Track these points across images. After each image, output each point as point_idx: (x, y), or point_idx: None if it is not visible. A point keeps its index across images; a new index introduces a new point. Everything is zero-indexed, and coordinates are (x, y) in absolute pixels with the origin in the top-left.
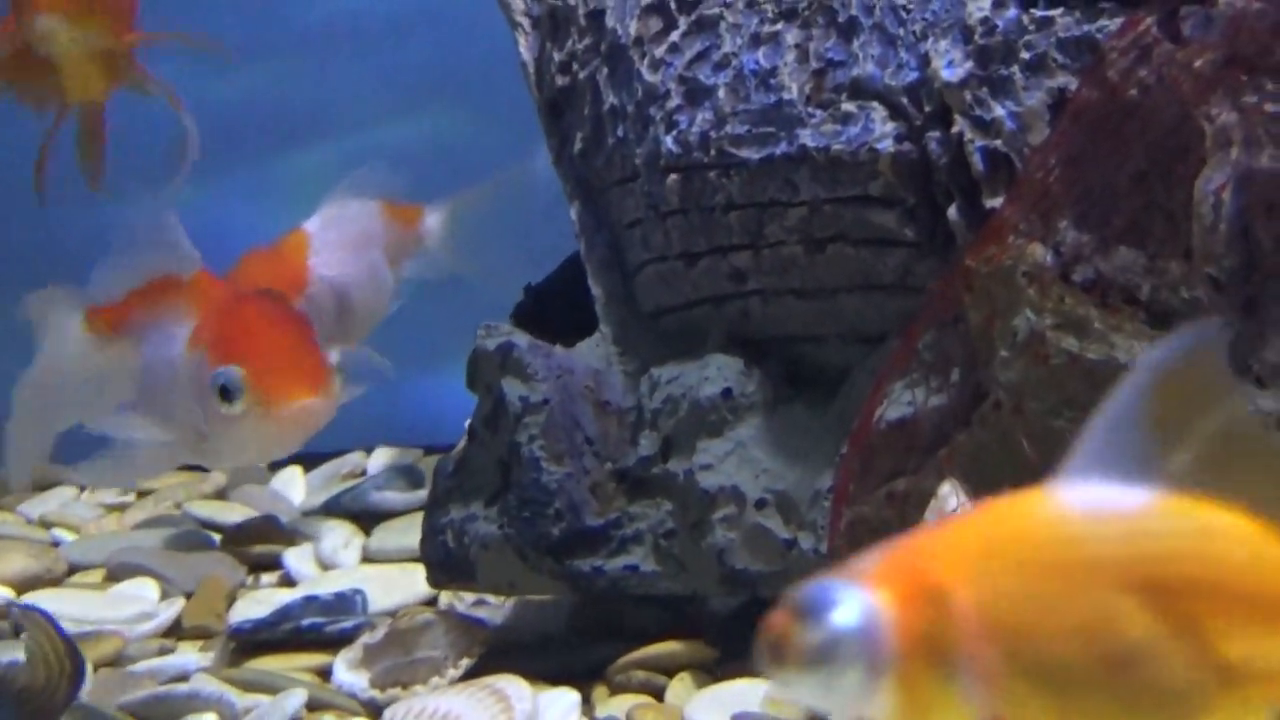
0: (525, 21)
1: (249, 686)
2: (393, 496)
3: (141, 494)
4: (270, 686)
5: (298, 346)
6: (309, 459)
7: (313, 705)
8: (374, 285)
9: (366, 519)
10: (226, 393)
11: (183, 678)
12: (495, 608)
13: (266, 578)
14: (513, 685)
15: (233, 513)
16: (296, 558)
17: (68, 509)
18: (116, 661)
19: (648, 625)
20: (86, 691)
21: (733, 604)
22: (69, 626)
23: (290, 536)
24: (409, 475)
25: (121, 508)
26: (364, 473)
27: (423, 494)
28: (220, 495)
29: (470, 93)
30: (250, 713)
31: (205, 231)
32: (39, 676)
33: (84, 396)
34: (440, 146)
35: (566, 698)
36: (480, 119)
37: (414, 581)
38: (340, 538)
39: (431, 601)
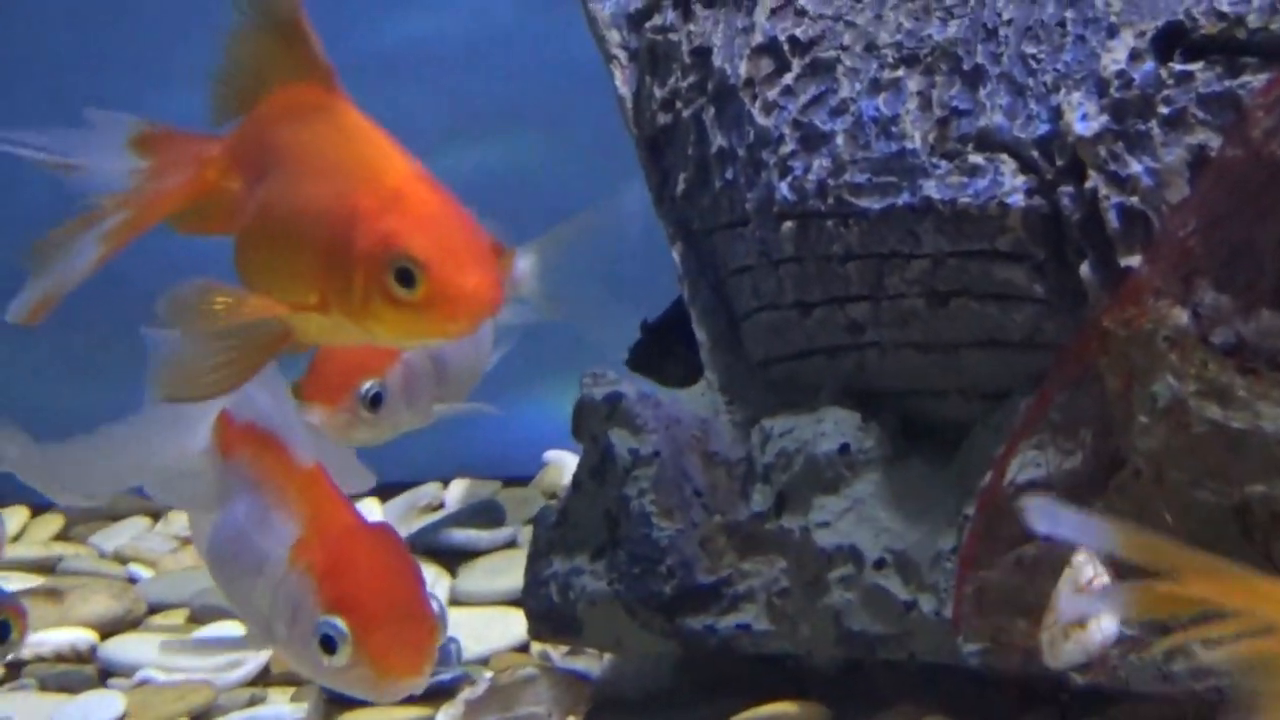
0: (622, 55)
1: None
2: (477, 535)
3: None
4: None
5: (410, 606)
6: (385, 490)
7: None
8: (473, 340)
9: (449, 557)
10: (329, 643)
11: None
12: (593, 658)
13: None
14: None
15: None
16: None
17: (141, 542)
18: (208, 714)
19: (752, 681)
20: None
21: (839, 661)
22: (156, 675)
23: None
24: (489, 512)
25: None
26: (441, 505)
27: (506, 532)
28: None
29: (541, 121)
30: None
31: None
32: None
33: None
34: (510, 175)
35: None
36: (552, 147)
37: (506, 627)
38: (427, 578)
39: (524, 648)
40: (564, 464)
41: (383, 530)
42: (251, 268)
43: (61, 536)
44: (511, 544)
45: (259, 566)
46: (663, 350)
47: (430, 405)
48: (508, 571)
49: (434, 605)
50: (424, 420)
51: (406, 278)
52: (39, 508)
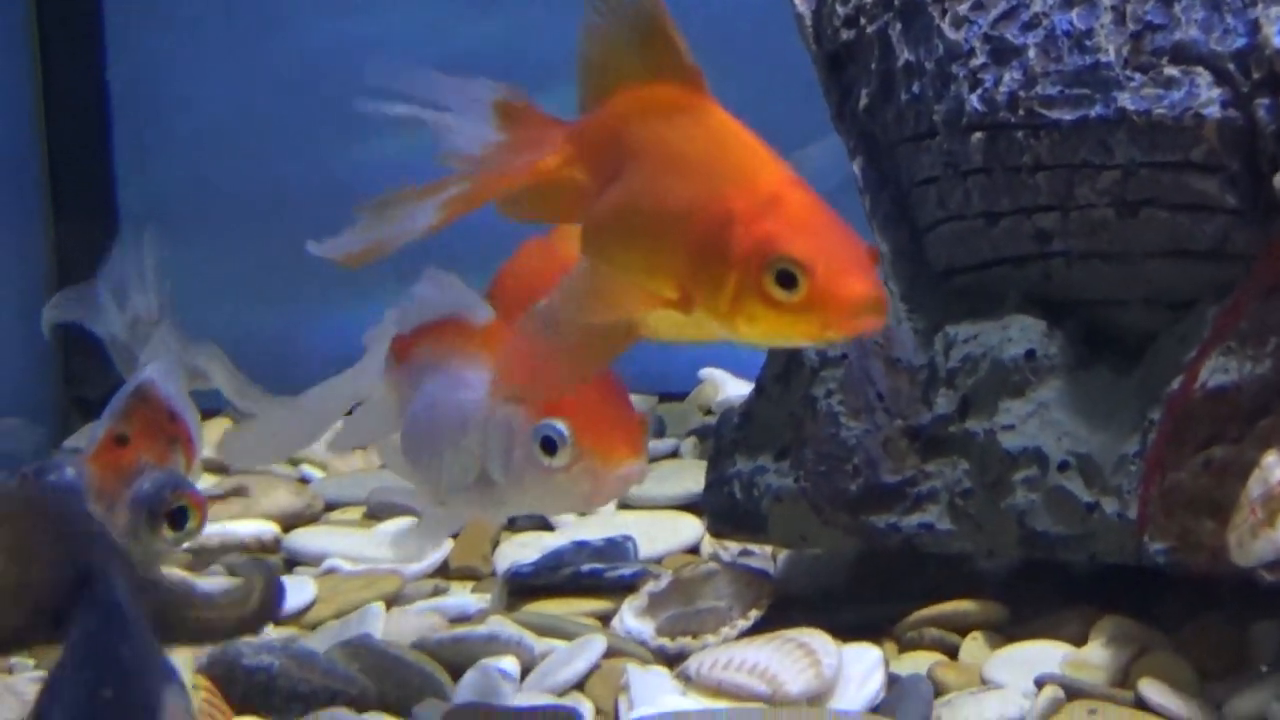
0: None
1: (542, 631)
2: None
3: None
4: (563, 632)
5: (618, 406)
6: None
7: (606, 652)
8: None
9: None
10: (549, 445)
11: (463, 618)
12: (763, 559)
13: (521, 520)
14: (817, 639)
15: None
16: None
17: (311, 446)
18: (397, 600)
19: (924, 580)
20: (380, 628)
21: (1010, 563)
22: (342, 564)
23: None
24: (651, 423)
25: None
26: None
27: (668, 443)
28: None
29: (710, 43)
30: (547, 657)
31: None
32: (223, 613)
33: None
34: None
35: (870, 654)
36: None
37: (675, 530)
38: None
39: (693, 549)
40: (717, 380)
41: None
42: (605, 262)
43: None
44: (674, 454)
45: (461, 424)
46: None
47: None
48: (674, 479)
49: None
50: None
51: (787, 280)
52: (208, 412)
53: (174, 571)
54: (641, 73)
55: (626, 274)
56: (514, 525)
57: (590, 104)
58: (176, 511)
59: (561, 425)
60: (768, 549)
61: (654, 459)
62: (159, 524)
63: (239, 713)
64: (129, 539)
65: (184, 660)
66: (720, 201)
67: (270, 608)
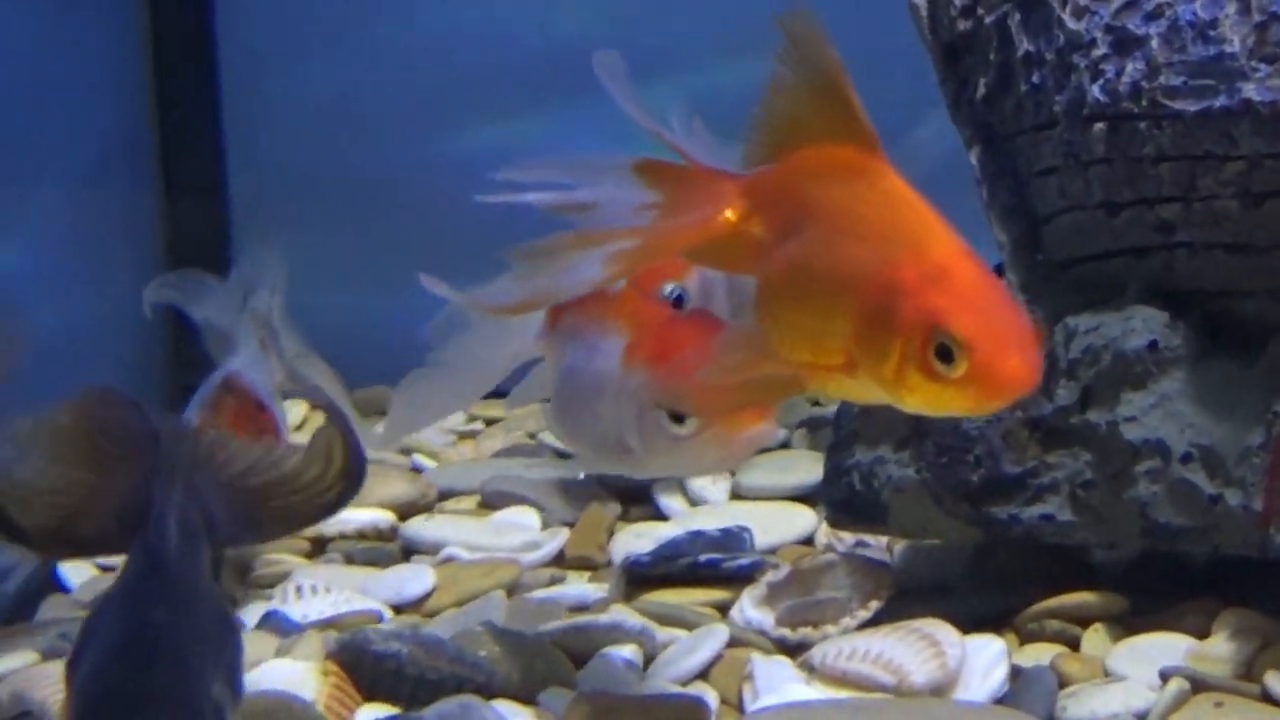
0: None
1: (663, 620)
2: None
3: (490, 422)
4: (684, 621)
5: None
6: None
7: (728, 642)
8: None
9: None
10: (675, 413)
11: (582, 607)
12: (879, 550)
13: (635, 510)
14: (941, 630)
15: None
16: (664, 492)
17: (421, 435)
18: (515, 589)
19: (1042, 572)
20: (501, 617)
21: (1126, 554)
22: (460, 553)
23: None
24: None
25: (473, 435)
26: None
27: (779, 433)
28: None
29: None
30: (668, 646)
31: None
32: (310, 470)
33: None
34: None
35: (993, 645)
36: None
37: (789, 521)
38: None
39: (807, 541)
40: None
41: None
42: (776, 318)
43: None
44: (785, 445)
45: (597, 391)
46: None
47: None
48: (787, 469)
49: None
50: None
51: (947, 355)
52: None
53: (251, 447)
54: (820, 132)
55: (795, 335)
56: (628, 516)
57: (761, 156)
58: None
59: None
60: (884, 540)
61: (765, 450)
62: None
63: (367, 700)
64: None
65: (314, 647)
66: (890, 269)
67: (354, 476)
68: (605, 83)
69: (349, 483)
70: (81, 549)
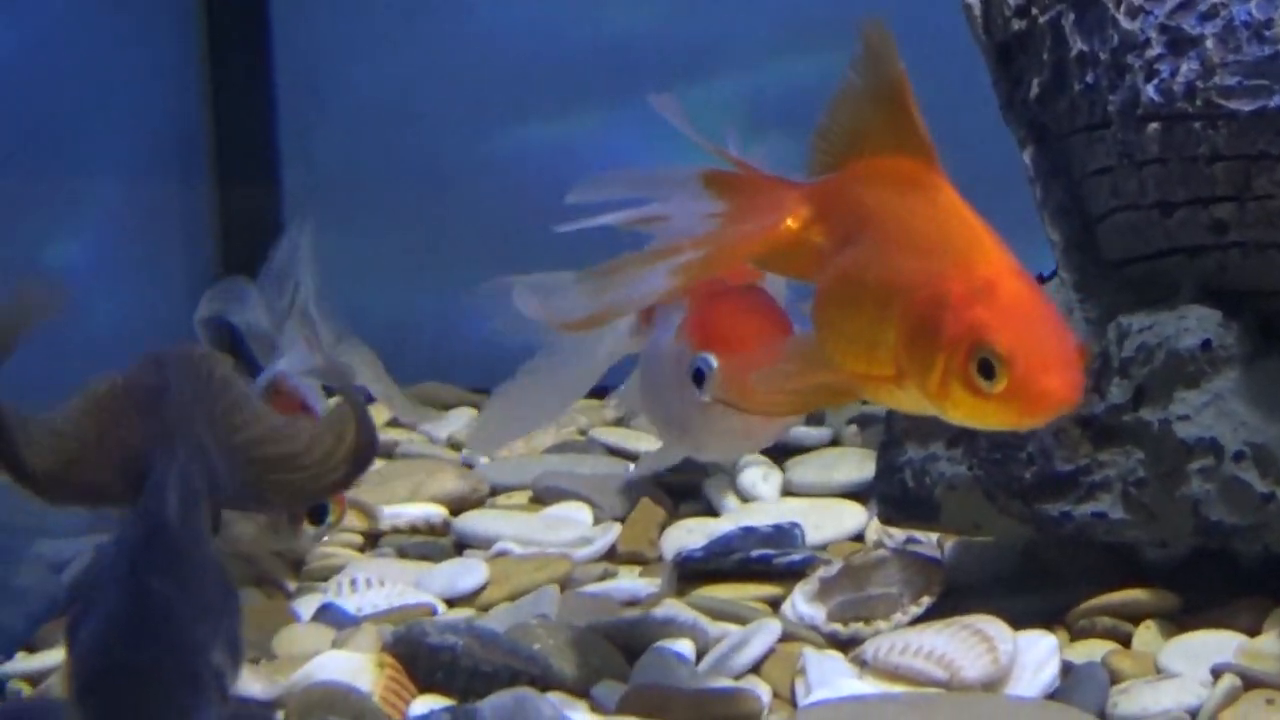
0: None
1: (715, 615)
2: (804, 432)
3: None
4: (736, 616)
5: (769, 340)
6: None
7: (780, 636)
8: None
9: (775, 451)
10: (699, 377)
11: (634, 602)
12: (930, 546)
13: (685, 506)
14: (993, 626)
15: (640, 440)
16: (715, 488)
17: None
18: (567, 584)
19: (1092, 569)
20: (555, 611)
21: (1177, 552)
22: (513, 547)
23: (703, 466)
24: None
25: None
26: None
27: (827, 431)
28: (619, 422)
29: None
30: (721, 640)
31: (599, 160)
32: (321, 446)
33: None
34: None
35: (1044, 641)
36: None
37: (839, 518)
38: (758, 470)
39: (858, 537)
40: None
41: (751, 288)
42: (830, 326)
43: (393, 424)
44: (835, 441)
45: (660, 373)
46: None
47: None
48: (836, 466)
49: None
50: None
51: (989, 370)
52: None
53: (264, 417)
54: (882, 142)
55: (848, 344)
56: (680, 512)
57: (826, 163)
58: (317, 505)
59: (709, 358)
60: (934, 536)
61: (813, 447)
62: (299, 519)
63: (423, 691)
64: (270, 534)
65: (370, 639)
66: (938, 282)
67: (364, 457)
68: (668, 119)
69: (358, 462)
70: (83, 498)
